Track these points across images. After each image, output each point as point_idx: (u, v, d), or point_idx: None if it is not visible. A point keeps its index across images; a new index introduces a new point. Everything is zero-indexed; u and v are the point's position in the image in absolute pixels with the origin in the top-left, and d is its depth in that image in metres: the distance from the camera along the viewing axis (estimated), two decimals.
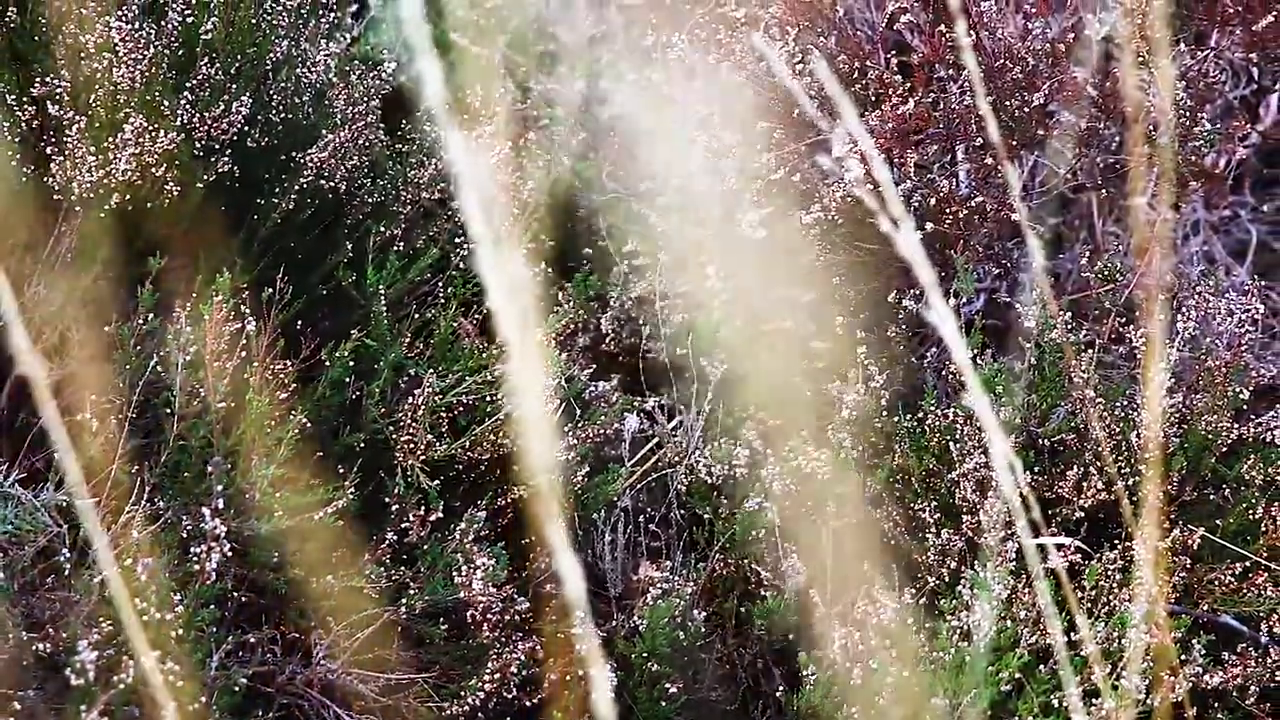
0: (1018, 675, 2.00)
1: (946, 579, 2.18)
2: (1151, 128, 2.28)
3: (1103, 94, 2.38)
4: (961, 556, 2.18)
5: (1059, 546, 2.07)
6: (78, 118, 2.15)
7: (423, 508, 2.18)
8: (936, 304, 1.37)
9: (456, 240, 2.53)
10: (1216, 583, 2.14)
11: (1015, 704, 2.04)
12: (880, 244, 2.45)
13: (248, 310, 2.10)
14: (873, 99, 2.45)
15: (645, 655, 2.18)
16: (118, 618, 1.73)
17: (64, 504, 1.92)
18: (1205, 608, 2.16)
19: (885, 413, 2.30)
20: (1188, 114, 2.34)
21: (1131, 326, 2.32)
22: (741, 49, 2.50)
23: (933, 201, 2.42)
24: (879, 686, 2.00)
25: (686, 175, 2.52)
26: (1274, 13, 2.37)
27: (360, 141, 2.43)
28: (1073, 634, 2.05)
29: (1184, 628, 2.06)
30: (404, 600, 2.11)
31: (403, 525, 2.17)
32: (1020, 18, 2.38)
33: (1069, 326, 2.29)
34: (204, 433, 2.05)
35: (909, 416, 2.29)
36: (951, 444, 2.21)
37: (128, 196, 2.15)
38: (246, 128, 2.31)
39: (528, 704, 2.12)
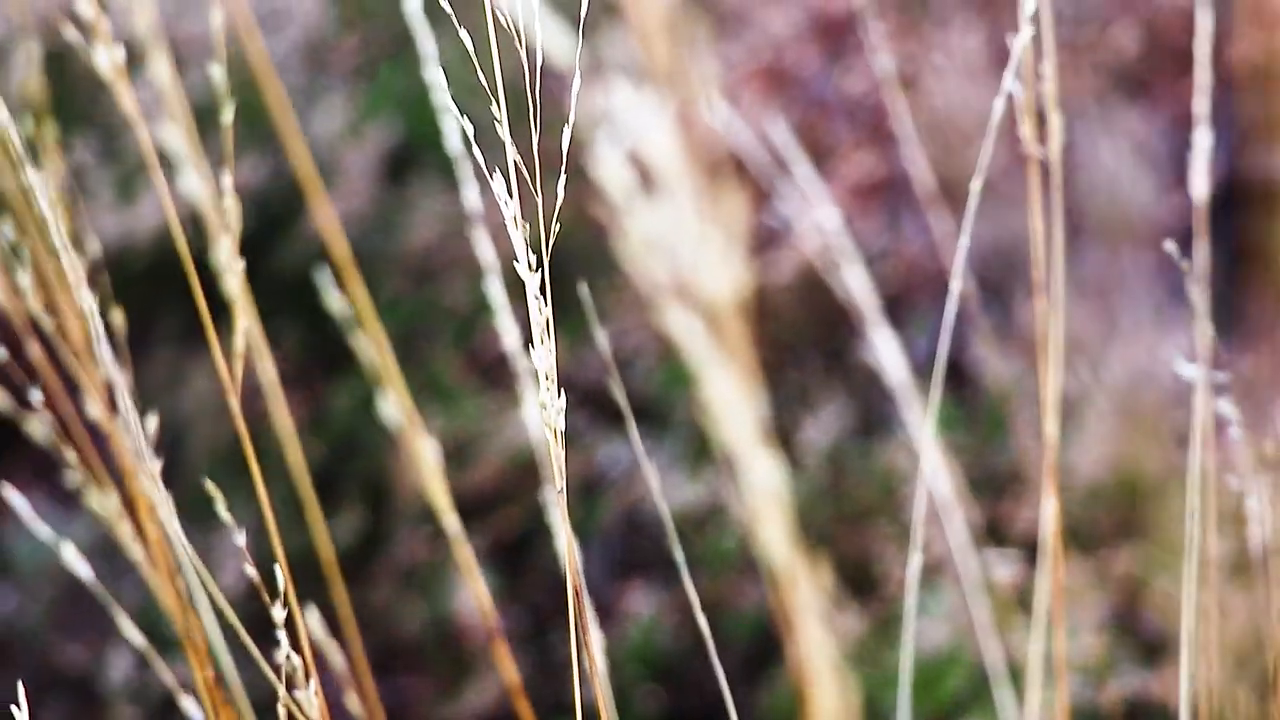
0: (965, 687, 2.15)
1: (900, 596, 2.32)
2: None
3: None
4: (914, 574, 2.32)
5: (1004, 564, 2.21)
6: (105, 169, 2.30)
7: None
8: (879, 344, 1.52)
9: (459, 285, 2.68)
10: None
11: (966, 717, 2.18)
12: (832, 295, 2.59)
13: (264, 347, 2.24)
14: (827, 158, 2.61)
15: (629, 664, 2.33)
16: (151, 629, 1.85)
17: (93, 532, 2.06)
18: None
19: (838, 446, 2.46)
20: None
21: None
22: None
23: (883, 254, 2.58)
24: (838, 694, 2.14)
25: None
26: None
27: (366, 197, 2.59)
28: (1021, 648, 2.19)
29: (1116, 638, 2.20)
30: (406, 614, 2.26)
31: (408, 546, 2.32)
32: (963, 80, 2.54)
33: (1016, 370, 2.45)
34: (223, 459, 2.19)
35: (859, 447, 2.45)
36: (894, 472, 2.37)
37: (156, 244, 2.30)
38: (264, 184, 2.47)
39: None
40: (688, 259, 0.79)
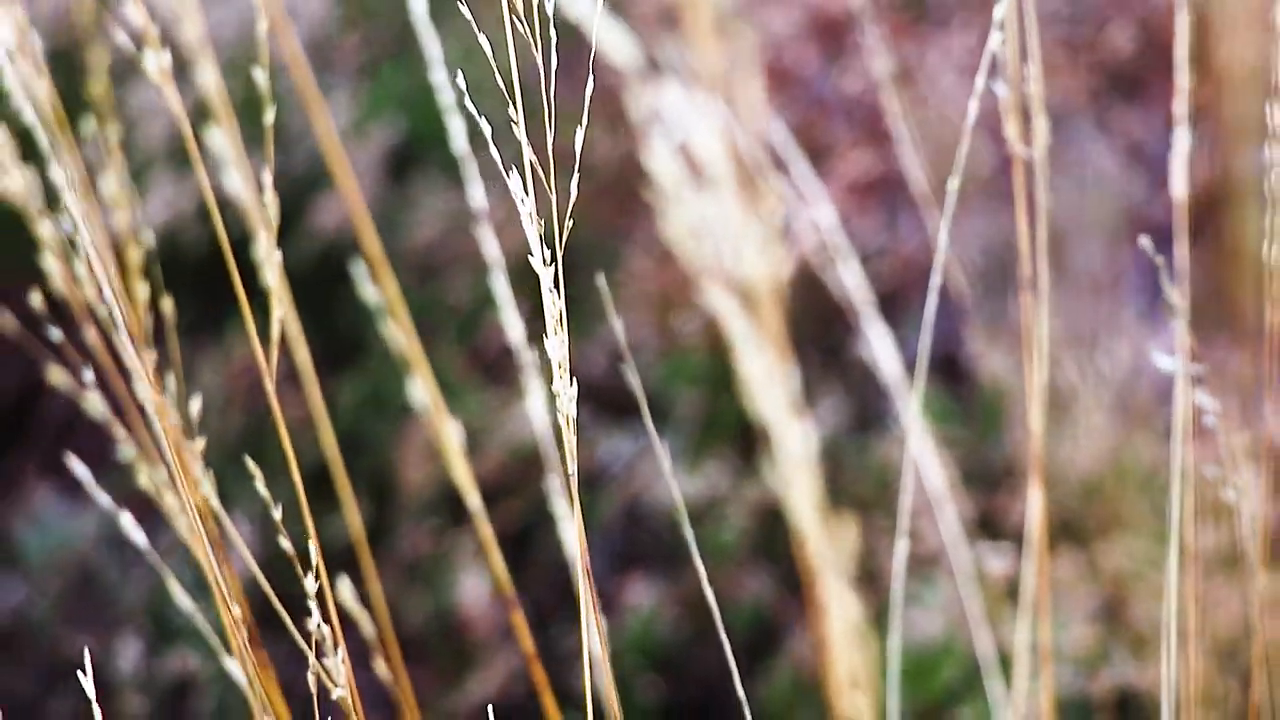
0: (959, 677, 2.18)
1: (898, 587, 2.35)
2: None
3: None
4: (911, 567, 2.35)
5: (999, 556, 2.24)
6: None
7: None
8: (873, 340, 1.55)
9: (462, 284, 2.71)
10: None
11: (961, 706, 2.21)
12: (829, 291, 2.62)
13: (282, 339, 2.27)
14: (824, 157, 2.64)
15: (629, 654, 2.36)
16: (160, 618, 1.88)
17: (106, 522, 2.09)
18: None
19: (835, 440, 2.49)
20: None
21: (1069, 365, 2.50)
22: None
23: (880, 252, 2.61)
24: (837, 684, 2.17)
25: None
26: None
27: (370, 194, 2.62)
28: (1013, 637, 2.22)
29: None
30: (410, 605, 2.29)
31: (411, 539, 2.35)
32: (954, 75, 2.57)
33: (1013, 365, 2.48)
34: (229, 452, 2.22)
35: (856, 442, 2.48)
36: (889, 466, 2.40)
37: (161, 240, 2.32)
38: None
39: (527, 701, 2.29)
40: (729, 247, 0.83)
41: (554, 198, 0.97)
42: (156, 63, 0.86)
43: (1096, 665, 2.17)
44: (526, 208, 0.98)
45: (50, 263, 0.89)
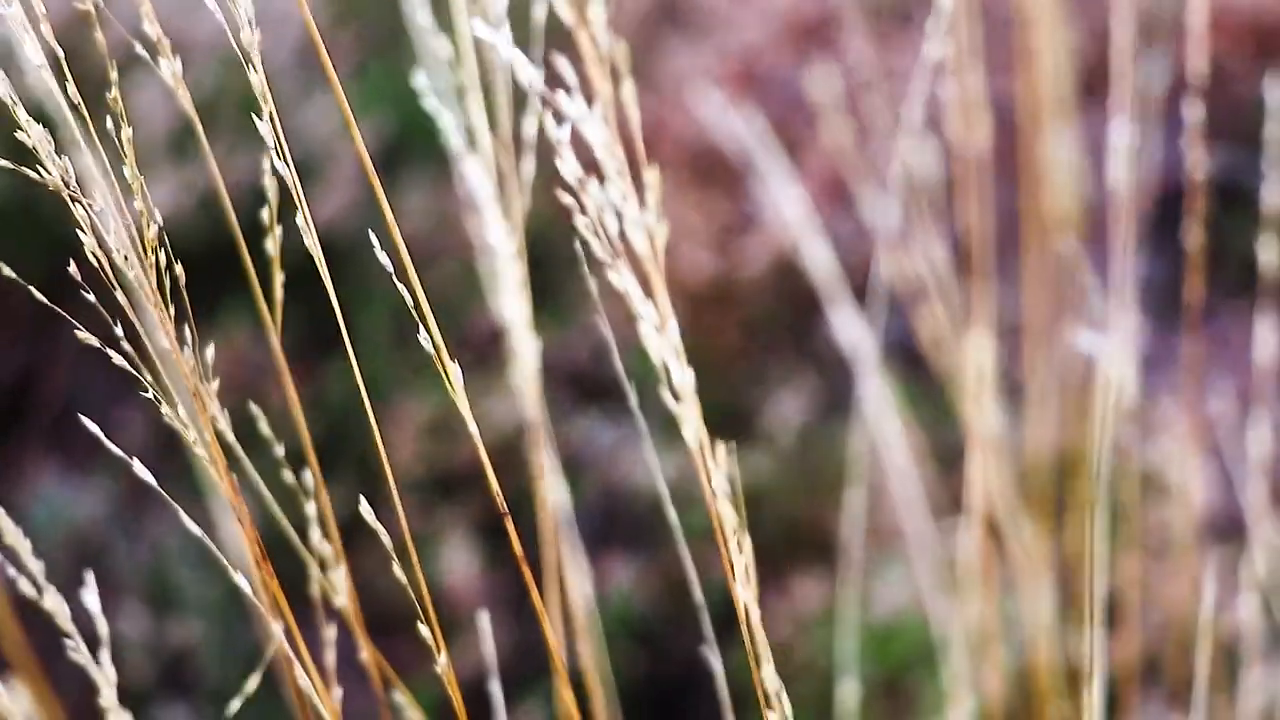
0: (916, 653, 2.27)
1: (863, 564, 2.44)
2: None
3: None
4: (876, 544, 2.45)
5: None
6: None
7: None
8: (840, 324, 1.64)
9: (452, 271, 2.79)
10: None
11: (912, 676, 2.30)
12: (803, 280, 2.72)
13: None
14: (799, 154, 2.73)
15: (609, 625, 2.45)
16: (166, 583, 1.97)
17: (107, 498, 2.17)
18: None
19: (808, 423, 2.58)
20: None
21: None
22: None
23: (851, 245, 2.70)
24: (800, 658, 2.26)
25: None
26: None
27: (359, 189, 2.70)
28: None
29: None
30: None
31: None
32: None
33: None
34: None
35: (827, 425, 2.57)
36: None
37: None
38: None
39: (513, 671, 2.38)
40: (636, 241, 0.92)
41: (521, 192, 1.05)
42: (171, 69, 0.95)
43: (1043, 639, 2.26)
44: (486, 194, 1.06)
45: (84, 238, 0.99)
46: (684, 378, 0.90)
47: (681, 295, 2.85)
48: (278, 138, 1.02)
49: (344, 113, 1.05)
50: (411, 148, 2.91)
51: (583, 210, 0.92)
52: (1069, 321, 2.57)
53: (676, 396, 0.93)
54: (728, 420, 2.69)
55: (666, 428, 2.78)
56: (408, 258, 1.04)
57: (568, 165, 0.88)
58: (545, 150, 1.20)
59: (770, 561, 2.55)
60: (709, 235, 2.87)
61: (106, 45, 1.02)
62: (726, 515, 0.96)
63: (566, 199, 0.94)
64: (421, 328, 1.00)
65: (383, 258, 0.96)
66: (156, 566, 2.17)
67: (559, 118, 0.88)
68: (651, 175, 0.90)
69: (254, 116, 1.03)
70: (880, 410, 1.71)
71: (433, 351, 0.99)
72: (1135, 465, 2.49)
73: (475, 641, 2.36)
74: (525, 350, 1.22)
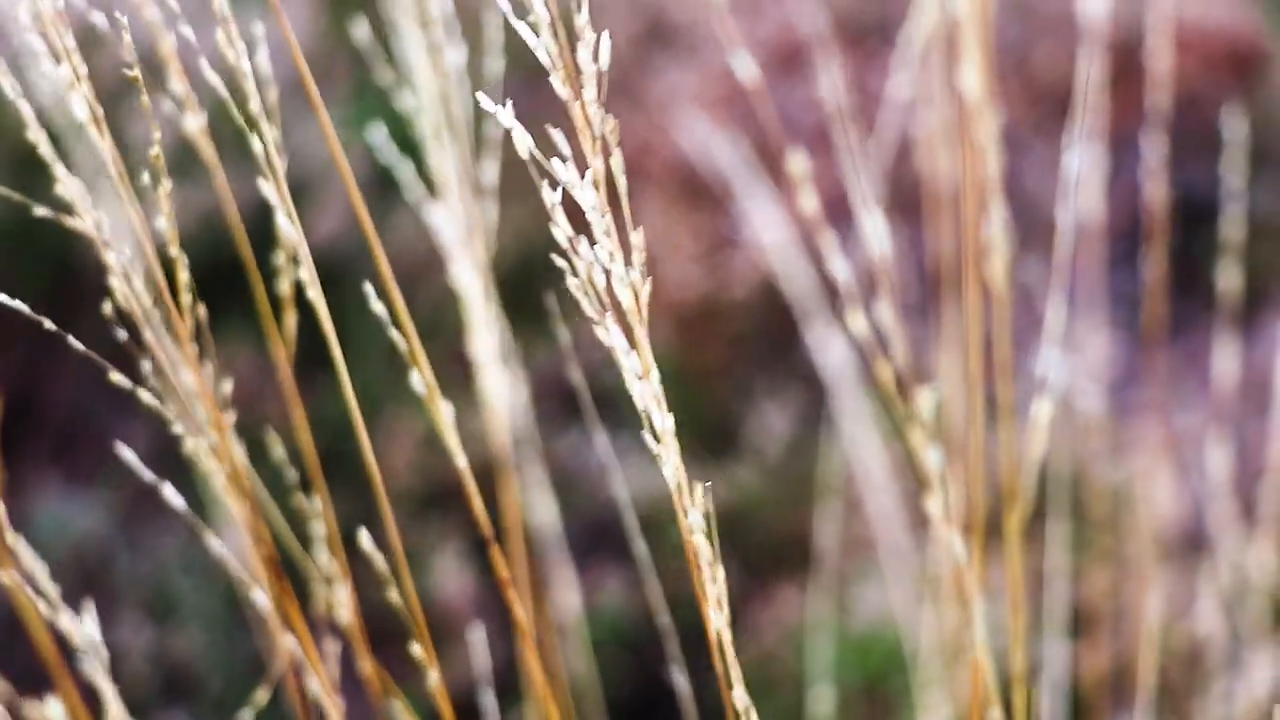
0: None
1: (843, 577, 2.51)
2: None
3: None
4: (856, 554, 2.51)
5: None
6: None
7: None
8: (814, 346, 1.70)
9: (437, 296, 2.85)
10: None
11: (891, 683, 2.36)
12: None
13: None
14: (783, 176, 2.79)
15: (599, 636, 2.51)
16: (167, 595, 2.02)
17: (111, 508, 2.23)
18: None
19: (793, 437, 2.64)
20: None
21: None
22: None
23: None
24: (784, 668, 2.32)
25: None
26: None
27: (351, 212, 2.77)
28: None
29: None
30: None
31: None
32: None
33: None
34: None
35: (812, 437, 2.63)
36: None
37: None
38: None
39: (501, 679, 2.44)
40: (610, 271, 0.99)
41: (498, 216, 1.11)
42: (196, 124, 1.01)
43: (1020, 647, 2.32)
44: (463, 224, 1.12)
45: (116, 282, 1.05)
46: (665, 423, 0.99)
47: (670, 312, 2.91)
48: (273, 170, 1.08)
49: (330, 146, 1.12)
50: (403, 170, 2.96)
51: (574, 272, 0.99)
52: (1042, 337, 2.63)
53: (658, 440, 1.01)
54: (715, 434, 2.75)
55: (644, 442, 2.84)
56: (398, 295, 1.10)
57: (560, 228, 0.96)
58: (518, 170, 1.26)
59: (756, 572, 2.61)
60: (697, 252, 2.93)
61: (119, 59, 1.08)
62: (702, 549, 1.03)
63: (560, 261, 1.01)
64: (412, 357, 1.06)
65: (378, 307, 1.03)
66: (158, 578, 2.22)
67: (553, 183, 0.95)
68: (637, 237, 0.97)
69: (254, 137, 1.10)
70: (856, 427, 1.77)
71: (424, 392, 1.05)
72: (1102, 482, 2.55)
73: (468, 653, 2.41)
74: (495, 389, 1.30)
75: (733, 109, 2.88)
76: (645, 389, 1.01)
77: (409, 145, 2.81)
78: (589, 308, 0.99)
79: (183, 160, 2.62)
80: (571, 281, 0.99)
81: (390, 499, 2.50)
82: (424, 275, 2.87)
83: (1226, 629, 2.15)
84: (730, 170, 2.55)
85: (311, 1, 3.07)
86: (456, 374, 2.97)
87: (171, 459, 2.43)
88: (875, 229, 1.30)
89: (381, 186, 2.90)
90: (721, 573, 1.06)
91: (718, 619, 1.07)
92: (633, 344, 1.00)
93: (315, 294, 1.10)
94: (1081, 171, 2.01)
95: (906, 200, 2.77)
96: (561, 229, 0.98)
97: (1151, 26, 2.16)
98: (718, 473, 2.65)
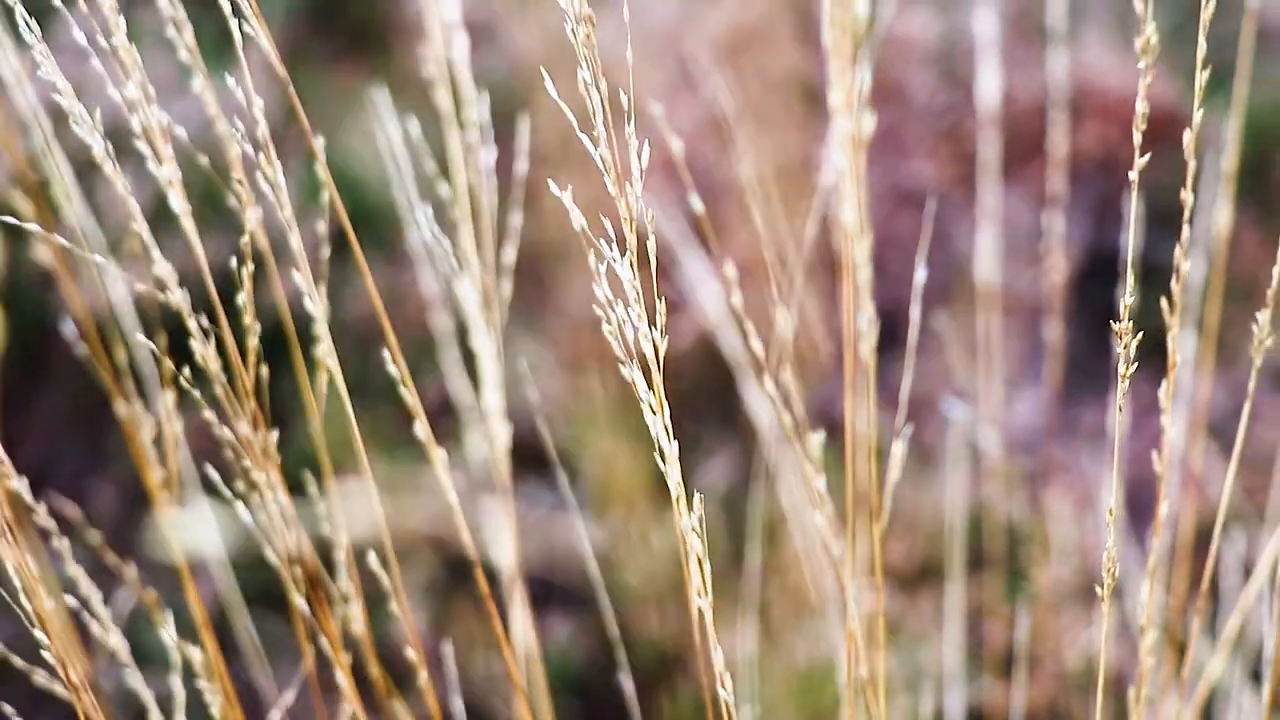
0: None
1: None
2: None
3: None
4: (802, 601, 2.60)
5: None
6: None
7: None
8: (752, 400, 1.80)
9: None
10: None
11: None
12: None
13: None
14: (721, 237, 2.90)
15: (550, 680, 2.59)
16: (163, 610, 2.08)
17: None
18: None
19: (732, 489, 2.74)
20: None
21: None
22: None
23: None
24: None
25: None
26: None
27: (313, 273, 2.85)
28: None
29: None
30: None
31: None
32: None
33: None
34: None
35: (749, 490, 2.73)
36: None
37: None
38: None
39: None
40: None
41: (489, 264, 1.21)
42: (180, 207, 1.12)
43: (951, 686, 2.41)
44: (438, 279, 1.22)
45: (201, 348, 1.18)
46: (672, 450, 1.15)
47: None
48: (251, 242, 1.19)
49: (282, 219, 1.26)
50: (360, 229, 3.05)
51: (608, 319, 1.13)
52: (951, 393, 2.74)
53: (664, 459, 1.14)
54: (659, 486, 2.84)
55: (594, 500, 2.94)
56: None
57: (600, 290, 1.13)
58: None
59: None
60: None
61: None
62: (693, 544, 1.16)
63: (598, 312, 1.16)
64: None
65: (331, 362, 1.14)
66: (132, 628, 2.29)
67: (599, 258, 1.13)
68: (661, 307, 1.13)
69: (224, 197, 1.23)
70: (790, 480, 1.87)
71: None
72: (1031, 526, 2.65)
73: (416, 702, 2.48)
74: (499, 434, 1.47)
75: (674, 176, 2.98)
76: (657, 421, 1.18)
77: (364, 213, 2.90)
78: (618, 350, 1.15)
79: (160, 219, 2.69)
80: (605, 328, 1.16)
81: (351, 550, 2.58)
82: (381, 336, 2.95)
83: (1152, 661, 2.24)
84: (671, 239, 2.65)
85: (270, 70, 3.16)
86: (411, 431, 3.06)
87: (140, 512, 2.50)
88: (783, 317, 1.54)
89: (337, 251, 2.98)
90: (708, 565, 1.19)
91: (724, 694, 1.22)
92: (650, 385, 1.17)
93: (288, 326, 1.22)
94: (1024, 233, 2.10)
95: (834, 259, 2.87)
96: (601, 291, 1.15)
97: (1061, 101, 2.27)
98: (661, 526, 2.74)
